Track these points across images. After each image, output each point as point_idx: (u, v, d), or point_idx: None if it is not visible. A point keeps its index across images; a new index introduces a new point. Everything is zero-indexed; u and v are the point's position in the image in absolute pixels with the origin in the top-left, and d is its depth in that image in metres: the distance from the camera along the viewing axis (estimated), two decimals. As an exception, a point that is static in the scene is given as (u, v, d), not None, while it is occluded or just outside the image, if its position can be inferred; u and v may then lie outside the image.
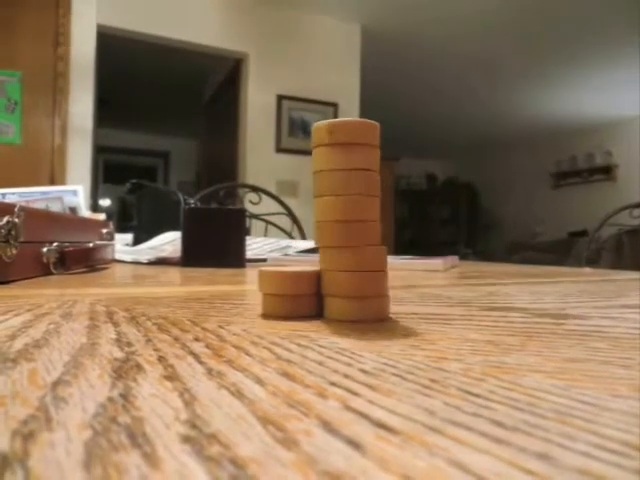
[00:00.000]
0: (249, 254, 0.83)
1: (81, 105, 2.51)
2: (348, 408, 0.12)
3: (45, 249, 0.50)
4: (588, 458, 0.09)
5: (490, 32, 3.50)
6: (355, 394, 0.13)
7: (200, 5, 3.07)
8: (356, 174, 0.25)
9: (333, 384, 0.14)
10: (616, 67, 4.07)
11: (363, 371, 0.15)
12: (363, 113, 3.62)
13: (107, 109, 4.71)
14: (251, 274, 0.61)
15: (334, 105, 3.44)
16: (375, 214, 0.25)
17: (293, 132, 3.35)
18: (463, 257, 5.16)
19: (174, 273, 0.60)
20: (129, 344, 0.19)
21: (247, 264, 0.76)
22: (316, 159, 0.25)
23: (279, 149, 3.31)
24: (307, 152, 3.37)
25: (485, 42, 3.66)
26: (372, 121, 0.26)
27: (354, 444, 0.10)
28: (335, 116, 3.44)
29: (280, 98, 3.31)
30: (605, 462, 0.09)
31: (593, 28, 3.41)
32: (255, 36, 3.23)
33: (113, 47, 3.24)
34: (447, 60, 3.99)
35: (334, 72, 3.43)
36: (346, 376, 0.15)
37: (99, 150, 4.54)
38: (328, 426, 0.11)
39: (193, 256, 0.70)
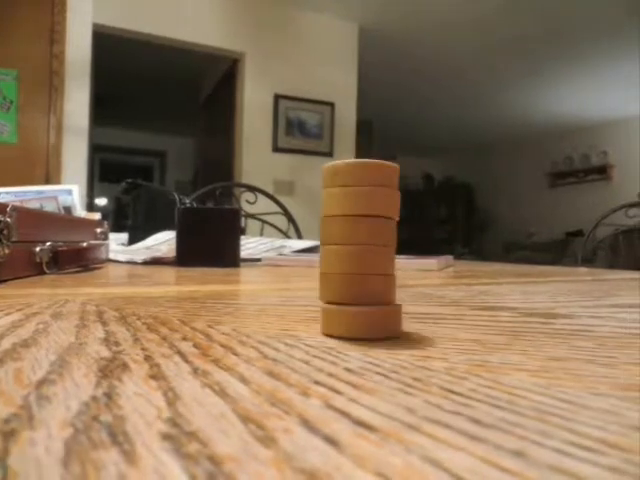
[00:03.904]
0: (244, 254, 0.83)
1: (77, 103, 2.51)
2: (329, 406, 0.12)
3: (38, 249, 0.49)
4: (563, 455, 0.10)
5: (488, 31, 3.50)
6: (337, 392, 0.13)
7: (197, 4, 3.07)
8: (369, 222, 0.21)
9: (317, 383, 0.14)
10: (612, 67, 4.08)
11: (348, 370, 0.15)
12: (360, 112, 3.62)
13: (103, 108, 4.70)
14: (245, 274, 0.61)
15: (331, 104, 3.44)
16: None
17: (290, 131, 3.35)
18: (459, 257, 5.17)
19: (168, 273, 0.60)
20: (117, 343, 0.19)
21: (241, 264, 0.76)
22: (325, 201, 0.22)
23: (276, 148, 3.31)
24: (304, 152, 3.38)
25: (483, 41, 3.66)
26: (388, 163, 0.22)
27: (332, 442, 0.10)
28: (332, 115, 3.44)
29: (277, 97, 3.31)
30: (579, 459, 0.09)
31: (590, 29, 3.42)
32: (252, 35, 3.23)
33: (109, 45, 3.24)
34: (444, 60, 4.00)
35: (331, 71, 3.44)
36: (330, 375, 0.15)
37: (95, 149, 4.53)
38: (308, 424, 0.11)
39: (188, 256, 0.70)
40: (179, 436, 0.10)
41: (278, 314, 0.27)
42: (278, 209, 1.68)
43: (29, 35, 2.41)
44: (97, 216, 0.99)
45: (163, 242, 0.91)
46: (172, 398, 0.13)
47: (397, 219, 0.22)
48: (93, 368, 0.15)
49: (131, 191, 1.14)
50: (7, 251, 0.42)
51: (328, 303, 0.22)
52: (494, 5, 3.13)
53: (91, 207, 4.02)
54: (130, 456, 0.09)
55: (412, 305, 0.32)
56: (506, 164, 6.87)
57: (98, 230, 0.72)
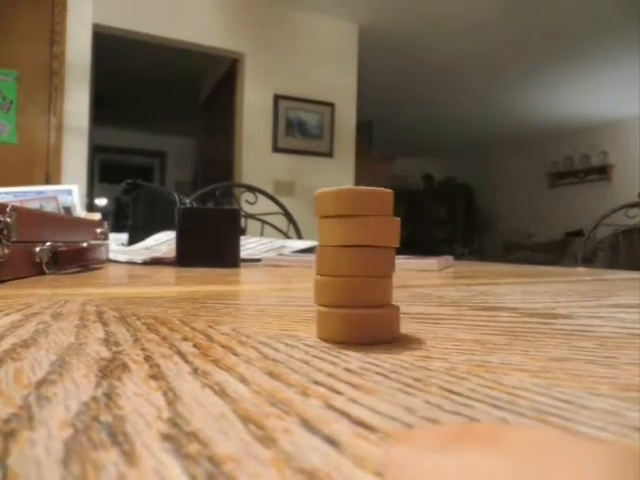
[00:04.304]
0: (243, 254, 0.83)
1: (77, 104, 2.51)
2: (329, 406, 0.12)
3: (38, 249, 0.49)
4: (562, 455, 0.10)
5: (488, 32, 3.50)
6: (337, 393, 0.13)
7: (197, 4, 3.07)
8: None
9: (317, 383, 0.14)
10: (612, 68, 4.08)
11: (348, 370, 0.15)
12: (360, 113, 3.62)
13: (103, 108, 4.70)
14: (245, 274, 0.61)
15: (331, 105, 3.44)
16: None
17: (290, 132, 3.35)
18: (459, 257, 5.17)
19: (168, 273, 0.60)
20: (117, 344, 0.19)
21: (241, 264, 0.76)
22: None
23: (276, 149, 3.31)
24: (304, 152, 3.38)
25: (483, 42, 3.66)
26: (382, 189, 0.21)
27: (332, 442, 0.10)
28: (332, 116, 3.44)
29: (277, 98, 3.31)
30: (579, 459, 0.09)
31: (591, 29, 3.42)
32: (252, 35, 3.23)
33: (109, 46, 3.24)
34: (445, 59, 4.00)
35: (331, 72, 3.44)
36: (330, 375, 0.15)
37: (95, 149, 4.53)
38: (307, 424, 0.11)
39: (187, 256, 0.70)
40: (179, 436, 0.10)
41: (278, 314, 0.27)
42: (278, 209, 1.68)
43: (29, 36, 2.41)
44: (97, 216, 0.99)
45: (163, 242, 0.91)
46: (172, 398, 0.13)
47: (397, 245, 0.22)
48: (93, 368, 0.15)
49: (131, 191, 1.14)
50: (7, 251, 0.42)
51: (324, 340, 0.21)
52: (495, 6, 3.13)
53: (91, 207, 4.02)
54: (130, 456, 0.09)
55: (412, 305, 0.32)
56: (506, 164, 6.87)
57: (98, 230, 0.72)
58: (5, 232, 0.41)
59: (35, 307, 0.29)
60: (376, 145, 5.41)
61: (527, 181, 6.62)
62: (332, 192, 0.21)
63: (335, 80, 3.45)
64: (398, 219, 0.22)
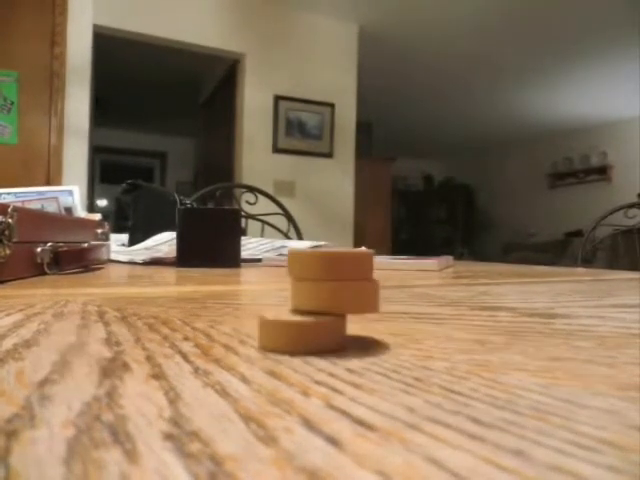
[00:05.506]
0: (244, 254, 0.83)
1: (77, 105, 2.51)
2: (330, 406, 0.12)
3: (39, 249, 0.50)
4: (561, 454, 0.10)
5: (488, 33, 3.51)
6: (338, 392, 0.13)
7: (197, 6, 3.07)
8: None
9: (318, 382, 0.14)
10: (612, 69, 4.08)
11: (348, 370, 0.16)
12: (360, 113, 3.63)
13: (104, 109, 4.70)
14: (245, 274, 0.61)
15: (331, 105, 3.44)
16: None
17: (290, 132, 3.35)
18: (459, 257, 5.17)
19: (169, 273, 0.60)
20: (118, 343, 0.19)
21: (242, 264, 0.76)
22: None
23: (276, 149, 3.31)
24: (304, 152, 3.38)
25: (483, 43, 3.67)
26: (361, 250, 0.20)
27: (333, 441, 0.10)
28: (332, 116, 3.44)
29: (277, 98, 3.31)
30: (578, 458, 0.09)
31: (591, 30, 3.42)
32: (252, 36, 3.23)
33: (110, 47, 3.24)
34: (444, 61, 4.00)
35: (331, 72, 3.44)
36: (331, 375, 0.15)
37: (96, 150, 4.53)
38: (308, 423, 0.11)
39: (188, 256, 0.70)
40: (181, 436, 0.10)
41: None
42: (278, 210, 1.68)
43: (30, 37, 2.41)
44: (98, 217, 0.99)
45: (163, 243, 0.91)
46: (173, 398, 0.13)
47: (377, 311, 0.20)
48: (95, 368, 0.15)
49: (131, 192, 1.14)
50: (8, 252, 0.42)
51: None
52: (495, 7, 3.13)
53: (92, 208, 4.02)
54: (132, 456, 0.09)
55: (412, 305, 0.32)
56: (506, 165, 6.88)
57: (99, 231, 0.72)
58: (6, 233, 0.41)
59: (37, 307, 0.29)
60: (376, 146, 5.41)
61: (527, 181, 6.63)
62: (307, 256, 0.19)
63: (335, 80, 3.45)
64: (377, 281, 0.20)
